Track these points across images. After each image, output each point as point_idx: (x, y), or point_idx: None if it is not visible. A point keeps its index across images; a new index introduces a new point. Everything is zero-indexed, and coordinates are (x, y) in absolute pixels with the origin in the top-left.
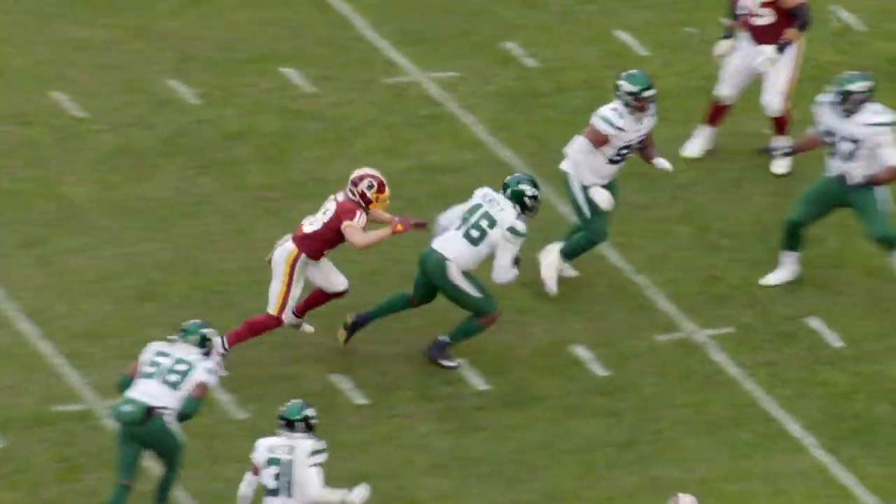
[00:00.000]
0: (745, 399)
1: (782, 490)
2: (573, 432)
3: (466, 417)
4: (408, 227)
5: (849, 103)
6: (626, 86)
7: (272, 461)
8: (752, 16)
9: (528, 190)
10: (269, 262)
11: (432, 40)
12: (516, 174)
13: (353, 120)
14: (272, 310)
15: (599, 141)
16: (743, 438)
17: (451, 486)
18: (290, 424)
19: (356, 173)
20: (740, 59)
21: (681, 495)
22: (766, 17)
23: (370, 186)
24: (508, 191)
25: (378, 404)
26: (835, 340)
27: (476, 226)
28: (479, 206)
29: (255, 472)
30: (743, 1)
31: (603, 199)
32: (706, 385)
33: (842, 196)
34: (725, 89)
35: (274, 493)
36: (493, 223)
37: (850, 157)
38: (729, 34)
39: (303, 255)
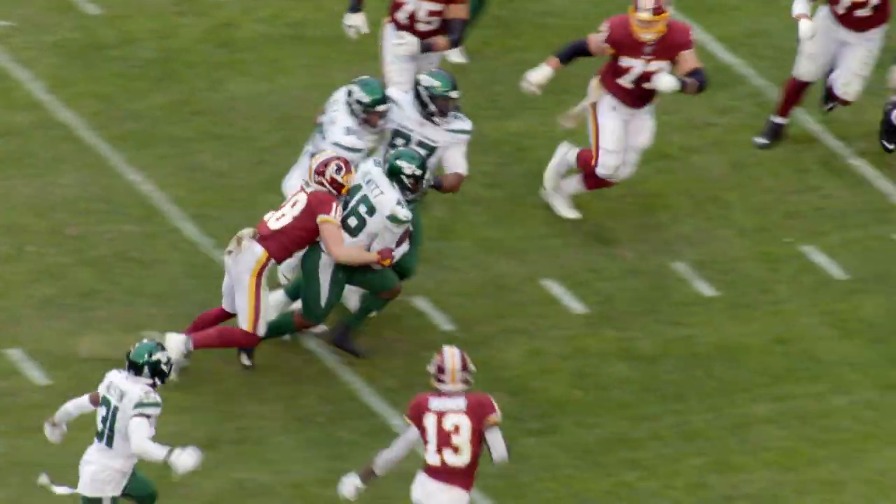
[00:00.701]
0: (343, 392)
1: (386, 495)
2: None
3: (23, 417)
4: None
5: (441, 106)
6: (357, 93)
7: (104, 401)
8: (417, 22)
9: (406, 167)
10: (231, 254)
11: None
12: (402, 147)
13: None
14: (246, 326)
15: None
16: (341, 436)
17: (7, 496)
18: (134, 368)
19: (318, 161)
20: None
21: (446, 348)
22: (432, 25)
23: (338, 169)
24: (387, 166)
25: None
26: (444, 323)
27: (354, 212)
28: (357, 189)
29: (95, 401)
30: (408, 6)
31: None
32: (298, 376)
33: None
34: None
35: (99, 436)
36: (371, 210)
37: None
38: (357, 7)
39: (272, 262)
